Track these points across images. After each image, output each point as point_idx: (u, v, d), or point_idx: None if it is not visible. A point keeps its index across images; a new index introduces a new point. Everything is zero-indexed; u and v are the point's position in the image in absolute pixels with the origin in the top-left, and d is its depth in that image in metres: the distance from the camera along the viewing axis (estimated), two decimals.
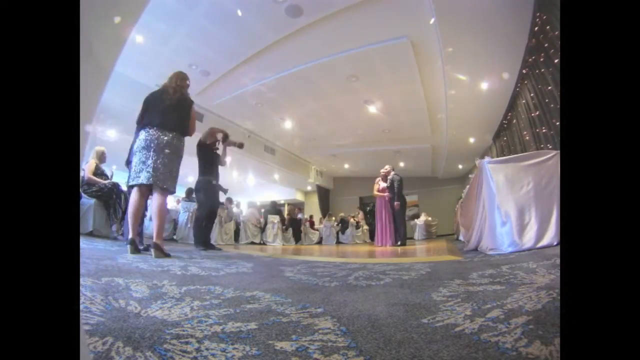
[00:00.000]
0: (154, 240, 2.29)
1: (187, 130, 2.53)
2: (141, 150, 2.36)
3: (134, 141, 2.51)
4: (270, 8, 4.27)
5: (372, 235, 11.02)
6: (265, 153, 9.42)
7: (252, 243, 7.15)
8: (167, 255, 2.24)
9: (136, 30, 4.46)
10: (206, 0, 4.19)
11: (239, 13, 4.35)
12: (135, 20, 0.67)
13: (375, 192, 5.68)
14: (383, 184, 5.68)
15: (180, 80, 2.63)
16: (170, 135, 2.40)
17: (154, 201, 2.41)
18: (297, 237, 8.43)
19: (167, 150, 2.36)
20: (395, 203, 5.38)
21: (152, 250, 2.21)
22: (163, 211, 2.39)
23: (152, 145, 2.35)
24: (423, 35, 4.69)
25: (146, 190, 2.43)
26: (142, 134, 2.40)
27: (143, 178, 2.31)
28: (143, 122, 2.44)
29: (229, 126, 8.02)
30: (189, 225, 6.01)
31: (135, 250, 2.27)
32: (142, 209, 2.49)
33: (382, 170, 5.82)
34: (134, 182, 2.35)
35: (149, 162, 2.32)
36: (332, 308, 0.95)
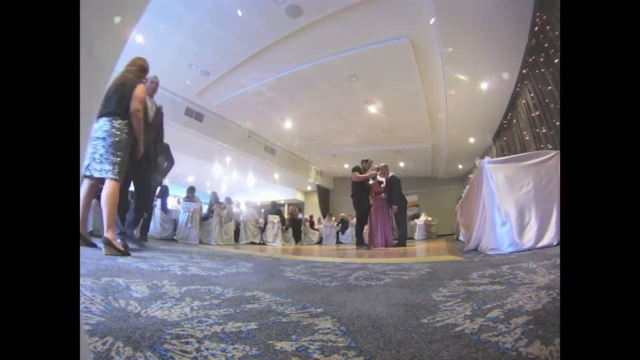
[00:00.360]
0: (104, 234, 2.11)
1: (126, 112, 2.35)
2: (90, 142, 2.28)
3: None
4: (270, 8, 4.27)
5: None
6: (265, 153, 9.42)
7: (252, 243, 7.15)
8: (122, 253, 2.07)
9: (136, 30, 4.45)
10: (206, 0, 4.19)
11: (239, 13, 4.36)
12: (135, 20, 0.67)
13: (374, 194, 5.47)
14: (372, 181, 5.43)
15: (129, 65, 2.52)
16: (111, 122, 2.29)
17: (102, 191, 2.26)
18: (297, 237, 8.43)
19: (105, 138, 2.26)
20: (394, 207, 5.27)
21: (102, 246, 2.06)
22: (108, 201, 2.20)
23: (94, 135, 2.26)
24: (423, 35, 4.69)
25: (95, 183, 2.35)
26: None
27: (85, 170, 2.25)
28: (98, 114, 2.35)
29: (229, 126, 8.05)
30: (189, 225, 6.01)
31: (85, 242, 2.26)
32: (88, 202, 2.42)
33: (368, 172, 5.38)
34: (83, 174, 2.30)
35: (89, 152, 2.25)
36: (332, 308, 0.95)
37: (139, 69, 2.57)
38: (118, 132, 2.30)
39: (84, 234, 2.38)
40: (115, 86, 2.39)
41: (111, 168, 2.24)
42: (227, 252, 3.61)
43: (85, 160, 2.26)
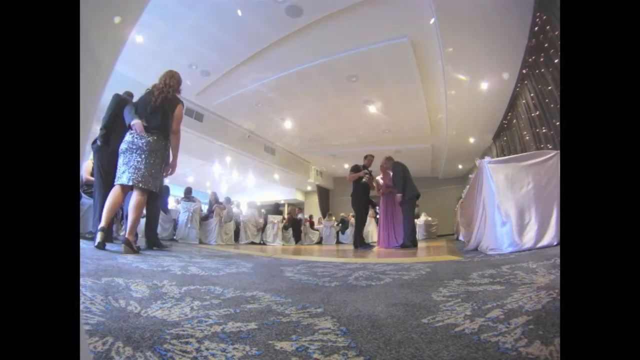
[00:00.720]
0: (126, 235, 2.32)
1: (168, 132, 2.54)
2: (125, 151, 2.41)
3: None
4: (270, 8, 4.28)
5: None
6: (265, 153, 9.42)
7: (252, 243, 7.15)
8: (137, 252, 2.28)
9: (136, 30, 4.46)
10: (206, 0, 4.19)
11: (239, 13, 4.36)
12: (135, 20, 0.67)
13: (381, 190, 5.08)
14: (380, 180, 5.05)
15: (169, 79, 2.61)
16: (152, 136, 2.43)
17: (132, 197, 2.41)
18: (297, 237, 8.43)
19: (149, 153, 2.41)
20: (397, 196, 4.64)
21: (122, 246, 2.26)
22: (139, 208, 2.41)
23: (134, 146, 2.40)
24: (423, 35, 4.69)
25: (127, 189, 2.46)
26: (127, 136, 2.45)
27: (125, 179, 2.36)
28: (129, 124, 2.48)
29: (229, 126, 8.05)
30: (189, 225, 6.01)
31: (103, 243, 2.29)
32: (118, 205, 2.51)
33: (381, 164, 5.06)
34: (117, 182, 2.41)
35: (131, 163, 2.38)
36: (332, 308, 0.95)
37: (177, 84, 2.69)
38: (161, 151, 2.49)
39: (126, 239, 2.38)
40: (160, 101, 2.51)
41: (154, 182, 2.44)
42: (227, 252, 3.61)
43: (123, 169, 2.40)
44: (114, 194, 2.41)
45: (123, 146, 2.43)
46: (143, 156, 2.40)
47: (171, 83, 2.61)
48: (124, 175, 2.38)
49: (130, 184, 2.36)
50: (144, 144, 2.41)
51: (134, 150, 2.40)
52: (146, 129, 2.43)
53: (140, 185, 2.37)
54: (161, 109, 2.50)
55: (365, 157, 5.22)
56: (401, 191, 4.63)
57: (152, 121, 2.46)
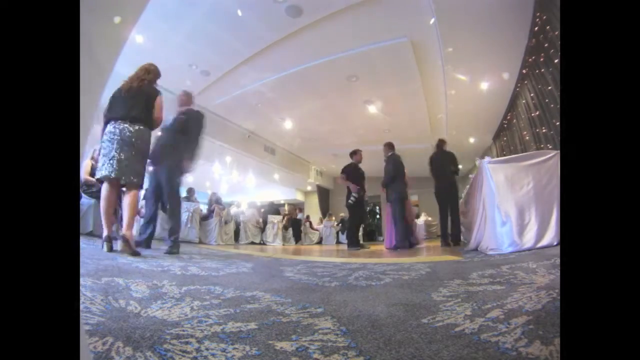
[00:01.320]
0: (123, 231, 2.21)
1: (150, 123, 2.49)
2: (106, 143, 2.32)
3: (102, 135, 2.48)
4: (270, 8, 4.27)
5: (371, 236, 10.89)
6: (265, 153, 9.41)
7: (252, 243, 7.15)
8: (135, 253, 2.11)
9: (136, 30, 4.46)
10: (206, 0, 4.19)
11: (239, 13, 4.35)
12: (135, 20, 0.67)
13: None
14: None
15: (142, 72, 2.57)
16: (134, 127, 2.35)
17: (125, 195, 2.38)
18: (297, 237, 8.43)
19: (130, 143, 2.32)
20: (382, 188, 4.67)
21: (120, 244, 2.18)
22: (133, 204, 2.34)
23: (116, 137, 2.31)
24: (423, 35, 4.69)
25: (116, 184, 2.36)
26: (108, 127, 2.37)
27: (105, 170, 2.27)
28: (108, 116, 2.40)
29: (229, 126, 8.05)
30: (189, 225, 6.01)
31: (111, 248, 2.23)
32: (114, 203, 2.42)
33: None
34: (98, 176, 2.32)
35: (112, 154, 2.28)
36: (332, 308, 0.95)
37: (155, 76, 2.65)
38: (144, 142, 2.42)
39: (128, 239, 2.26)
40: (136, 92, 2.45)
41: (140, 175, 2.39)
42: (227, 252, 3.61)
43: (103, 161, 2.32)
44: (104, 193, 2.31)
45: (105, 137, 2.34)
46: (126, 148, 2.30)
47: (144, 76, 2.55)
48: (104, 167, 2.28)
49: (113, 176, 2.26)
50: (128, 135, 2.31)
51: (116, 142, 2.29)
52: (126, 119, 2.34)
53: (127, 178, 2.29)
54: (140, 100, 2.43)
55: (355, 153, 5.03)
56: (384, 187, 4.75)
57: (132, 112, 2.36)
